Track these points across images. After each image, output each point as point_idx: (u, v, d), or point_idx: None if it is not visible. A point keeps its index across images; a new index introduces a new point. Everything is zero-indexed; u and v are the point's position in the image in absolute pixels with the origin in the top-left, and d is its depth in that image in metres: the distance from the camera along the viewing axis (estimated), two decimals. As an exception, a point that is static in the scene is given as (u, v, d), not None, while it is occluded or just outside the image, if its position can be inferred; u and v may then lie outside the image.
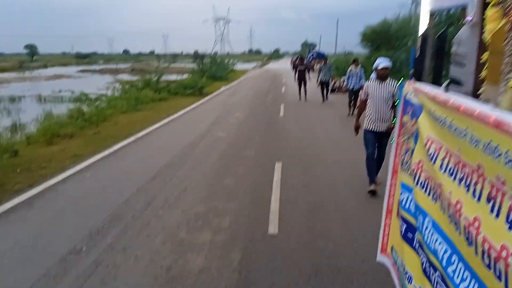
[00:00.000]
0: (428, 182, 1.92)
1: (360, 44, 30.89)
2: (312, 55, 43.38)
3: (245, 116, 13.00)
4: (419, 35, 2.63)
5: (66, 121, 11.56)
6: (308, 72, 17.03)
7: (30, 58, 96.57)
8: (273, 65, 68.93)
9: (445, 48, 2.42)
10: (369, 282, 3.53)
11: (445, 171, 1.68)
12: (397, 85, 5.34)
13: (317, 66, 31.07)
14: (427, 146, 1.92)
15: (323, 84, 16.07)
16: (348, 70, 12.93)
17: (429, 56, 2.56)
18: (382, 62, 5.41)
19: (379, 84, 5.49)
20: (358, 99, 5.74)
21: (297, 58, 42.01)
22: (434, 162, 1.80)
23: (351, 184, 6.11)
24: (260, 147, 8.61)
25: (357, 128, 5.90)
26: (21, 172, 6.81)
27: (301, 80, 16.91)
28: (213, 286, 3.46)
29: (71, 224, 4.73)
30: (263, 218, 4.88)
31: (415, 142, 2.20)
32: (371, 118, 5.56)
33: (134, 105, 15.03)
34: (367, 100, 5.62)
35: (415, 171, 2.09)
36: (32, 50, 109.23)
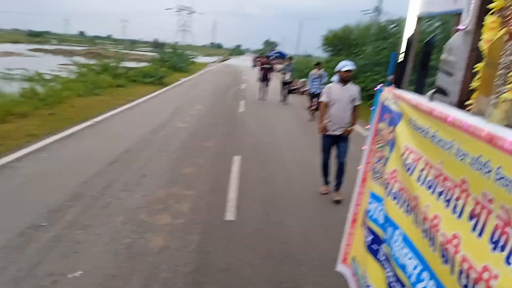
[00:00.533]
0: (401, 194, 1.84)
1: (321, 47, 31.75)
2: (274, 54, 43.96)
3: (206, 109, 13.14)
4: (403, 39, 2.52)
5: (20, 100, 11.17)
6: (272, 71, 16.79)
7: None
8: (233, 61, 68.99)
9: (432, 55, 2.32)
10: (316, 266, 3.87)
11: (422, 183, 1.61)
12: (359, 89, 5.53)
13: (279, 66, 31.54)
14: (404, 156, 1.85)
15: (285, 84, 16.10)
16: (310, 73, 12.79)
17: (412, 62, 2.48)
18: (346, 65, 5.31)
19: (341, 87, 5.41)
20: (321, 103, 5.61)
21: (259, 56, 42.17)
22: (411, 173, 1.72)
23: (305, 180, 6.48)
24: (219, 140, 8.82)
25: (324, 129, 5.58)
26: (-28, 147, 6.61)
27: (265, 79, 16.52)
28: (173, 263, 3.67)
29: (29, 201, 4.74)
30: (221, 205, 5.13)
31: (391, 151, 2.11)
32: (330, 122, 5.48)
33: (91, 89, 14.69)
34: (328, 103, 5.49)
35: (387, 181, 2.01)
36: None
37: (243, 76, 30.87)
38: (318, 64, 12.77)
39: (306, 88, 12.92)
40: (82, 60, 27.87)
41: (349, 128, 5.50)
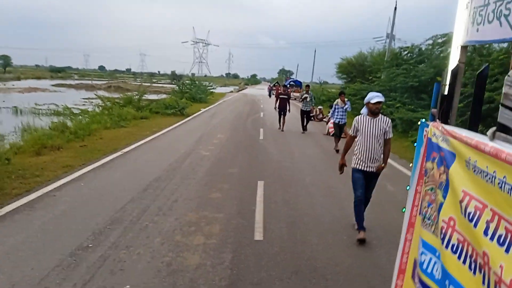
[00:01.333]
0: (463, 247, 1.59)
1: (336, 75, 32.48)
2: (289, 82, 44.94)
3: (227, 138, 13.64)
4: (448, 70, 2.37)
5: (52, 133, 11.86)
6: (289, 100, 16.90)
7: (3, 70, 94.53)
8: (250, 90, 70.36)
9: (485, 87, 2.12)
10: (341, 280, 4.16)
11: (492, 238, 1.36)
12: (390, 122, 5.22)
13: (296, 94, 32.32)
14: (464, 202, 1.61)
15: (304, 113, 15.96)
16: (334, 103, 12.36)
17: (458, 95, 2.32)
18: (375, 97, 5.05)
19: (371, 120, 5.13)
20: (348, 136, 5.49)
21: (274, 85, 42.88)
22: (475, 224, 1.48)
23: (327, 202, 6.80)
24: (243, 166, 9.23)
25: (342, 166, 5.49)
26: (15, 179, 7.15)
27: (283, 108, 16.34)
28: (210, 278, 4.02)
29: (74, 225, 5.18)
30: (249, 227, 5.48)
31: (444, 195, 1.85)
32: (360, 157, 5.18)
33: (117, 121, 15.45)
34: (356, 137, 5.30)
35: (444, 230, 1.77)
36: (5, 61, 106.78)
37: (260, 105, 31.60)
38: (342, 94, 12.46)
39: (328, 116, 13.05)
40: (103, 94, 29.11)
41: (382, 165, 5.23)
